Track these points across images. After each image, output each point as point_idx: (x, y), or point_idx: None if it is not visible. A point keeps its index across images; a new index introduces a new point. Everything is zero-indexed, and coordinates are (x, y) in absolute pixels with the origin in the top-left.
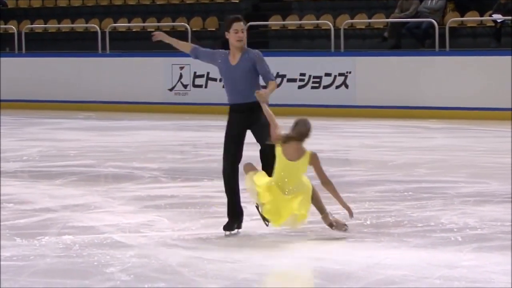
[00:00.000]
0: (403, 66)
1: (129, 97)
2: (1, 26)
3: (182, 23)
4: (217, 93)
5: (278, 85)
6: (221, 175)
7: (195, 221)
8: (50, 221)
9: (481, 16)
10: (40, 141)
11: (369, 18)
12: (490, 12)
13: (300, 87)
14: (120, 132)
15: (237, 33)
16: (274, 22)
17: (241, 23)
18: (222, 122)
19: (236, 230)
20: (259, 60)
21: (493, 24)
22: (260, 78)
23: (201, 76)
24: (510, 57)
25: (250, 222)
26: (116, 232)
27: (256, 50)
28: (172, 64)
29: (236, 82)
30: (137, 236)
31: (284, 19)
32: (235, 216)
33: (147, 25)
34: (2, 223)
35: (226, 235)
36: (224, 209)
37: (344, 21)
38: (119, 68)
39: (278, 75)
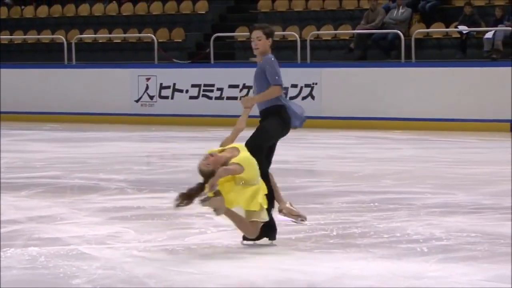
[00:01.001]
0: (369, 77)
1: (96, 108)
2: None
3: (149, 34)
4: (183, 104)
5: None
6: (190, 186)
7: (161, 233)
8: (16, 233)
9: (447, 27)
10: (5, 152)
11: (335, 29)
12: (456, 23)
13: None
14: (86, 143)
15: (253, 41)
16: (241, 34)
17: (257, 31)
18: (188, 133)
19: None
20: (267, 64)
21: (458, 36)
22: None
23: (167, 87)
24: (475, 68)
25: (217, 233)
26: (82, 243)
27: (270, 55)
28: (138, 75)
29: (253, 87)
30: (103, 247)
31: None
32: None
33: (113, 36)
34: None
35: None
36: (190, 221)
37: (310, 33)
38: (85, 79)
39: (244, 87)
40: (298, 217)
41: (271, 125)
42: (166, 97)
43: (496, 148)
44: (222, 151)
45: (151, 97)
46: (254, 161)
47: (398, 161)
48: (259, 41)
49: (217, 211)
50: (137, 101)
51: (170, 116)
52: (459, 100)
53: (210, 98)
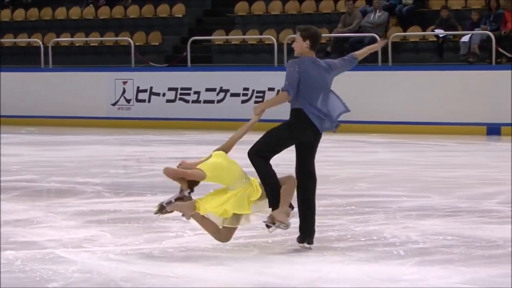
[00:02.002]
0: (346, 81)
1: (72, 111)
2: None
3: (125, 38)
4: (160, 107)
5: (222, 100)
6: (167, 190)
7: (138, 236)
8: None
9: (424, 31)
10: None
11: None
12: (432, 27)
13: (243, 101)
14: (63, 147)
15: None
16: (218, 37)
17: (296, 33)
18: (165, 137)
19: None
20: (286, 67)
21: (435, 39)
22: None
23: (144, 90)
24: (452, 71)
25: (194, 236)
26: (58, 247)
27: (297, 59)
28: (115, 79)
29: None
30: (80, 251)
31: (227, 34)
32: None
33: (90, 40)
34: None
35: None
36: (167, 224)
37: (288, 36)
38: (62, 82)
39: (221, 90)
40: (281, 223)
41: (276, 129)
42: (143, 101)
43: (472, 152)
44: (205, 158)
45: (128, 101)
46: (222, 166)
47: (374, 165)
48: (296, 43)
49: (184, 215)
50: (114, 104)
51: (147, 119)
52: (436, 103)
53: (187, 101)
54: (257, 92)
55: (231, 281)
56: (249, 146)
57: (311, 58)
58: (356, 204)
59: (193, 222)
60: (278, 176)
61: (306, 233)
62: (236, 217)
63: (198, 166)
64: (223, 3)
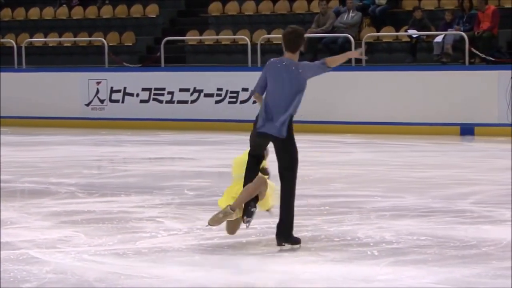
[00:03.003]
0: (320, 81)
1: (46, 112)
2: None
3: (99, 38)
4: (134, 108)
5: (195, 100)
6: (141, 190)
7: (112, 237)
8: None
9: (397, 31)
10: None
11: None
12: (406, 27)
13: (217, 102)
14: (36, 147)
15: None
16: (191, 37)
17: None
18: (139, 137)
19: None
20: None
21: (408, 40)
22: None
23: (118, 91)
24: (425, 72)
25: (168, 237)
26: (32, 247)
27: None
28: (89, 79)
29: None
30: (54, 251)
31: (201, 34)
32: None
33: (63, 40)
34: None
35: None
36: (141, 225)
37: (261, 36)
38: (36, 83)
39: (195, 90)
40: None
41: (295, 146)
42: (117, 101)
43: (446, 152)
44: None
45: (102, 101)
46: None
47: (349, 165)
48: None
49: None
50: (87, 105)
51: (120, 120)
52: (410, 103)
53: (160, 101)
54: (231, 92)
55: (205, 282)
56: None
57: (281, 59)
58: (330, 204)
59: (166, 222)
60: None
61: (285, 236)
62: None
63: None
64: (197, 4)
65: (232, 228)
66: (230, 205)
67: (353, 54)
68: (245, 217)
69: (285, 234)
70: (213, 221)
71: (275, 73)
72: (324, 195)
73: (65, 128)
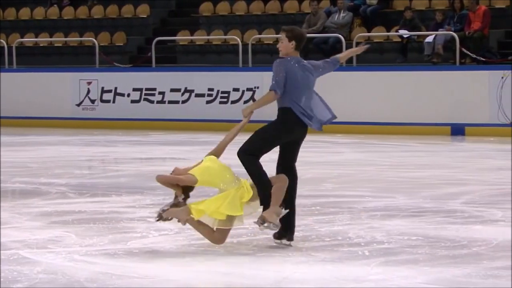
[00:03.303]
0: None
1: (37, 112)
2: None
3: (90, 38)
4: (125, 108)
5: (186, 100)
6: (132, 190)
7: (103, 237)
8: None
9: (388, 31)
10: None
11: (277, 33)
12: (397, 27)
13: (208, 102)
14: (27, 147)
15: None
16: (182, 37)
17: (281, 33)
18: (130, 137)
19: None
20: (273, 67)
21: (399, 40)
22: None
23: (109, 91)
24: (416, 72)
25: (158, 237)
26: (23, 248)
27: (283, 59)
28: (80, 79)
29: None
30: (45, 252)
31: (192, 34)
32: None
33: (54, 40)
34: None
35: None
36: (132, 225)
37: (252, 37)
38: (26, 83)
39: (186, 90)
40: (271, 224)
41: (265, 129)
42: (108, 101)
43: (436, 152)
44: (197, 164)
45: (93, 101)
46: (213, 170)
47: (339, 165)
48: (282, 43)
49: (180, 220)
50: (78, 105)
51: (111, 120)
52: (400, 104)
53: (151, 102)
54: (222, 92)
55: (196, 282)
56: (238, 146)
57: (296, 58)
58: (321, 204)
59: (157, 222)
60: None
61: (286, 230)
62: (230, 219)
63: (190, 171)
64: (188, 4)
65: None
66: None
67: (358, 50)
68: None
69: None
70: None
71: (298, 72)
72: (315, 195)
73: (56, 128)
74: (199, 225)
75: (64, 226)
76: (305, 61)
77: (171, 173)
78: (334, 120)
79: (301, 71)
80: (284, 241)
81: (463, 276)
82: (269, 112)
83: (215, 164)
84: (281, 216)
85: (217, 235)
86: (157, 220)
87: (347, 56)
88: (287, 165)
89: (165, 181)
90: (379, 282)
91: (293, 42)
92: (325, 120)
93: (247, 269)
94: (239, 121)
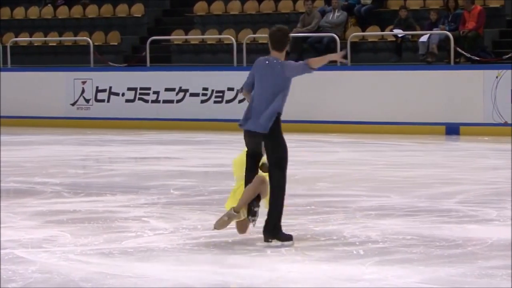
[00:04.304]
0: (305, 81)
1: (31, 111)
2: None
3: (84, 38)
4: (120, 107)
5: (181, 100)
6: (126, 190)
7: (97, 236)
8: None
9: (382, 31)
10: None
11: None
12: (391, 27)
13: (202, 101)
14: (21, 146)
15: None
16: (177, 37)
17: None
18: (124, 137)
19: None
20: None
21: (394, 39)
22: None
23: (103, 90)
24: (410, 71)
25: (153, 236)
26: (18, 247)
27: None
28: (74, 79)
29: None
30: (39, 251)
31: (186, 34)
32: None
33: (48, 40)
34: None
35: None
36: (127, 224)
37: (247, 36)
38: (21, 82)
39: (180, 90)
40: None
41: (283, 139)
42: (102, 101)
43: (431, 151)
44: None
45: (87, 101)
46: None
47: (334, 164)
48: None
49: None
50: (73, 104)
51: (106, 119)
52: (395, 103)
53: (146, 101)
54: (217, 92)
55: (191, 281)
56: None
57: (266, 58)
58: (316, 203)
59: (152, 222)
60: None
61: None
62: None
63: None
64: (182, 3)
65: (241, 229)
66: (233, 207)
67: (336, 56)
68: (249, 217)
69: (272, 230)
70: (219, 225)
71: (261, 71)
72: (310, 194)
73: (51, 128)
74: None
75: (58, 226)
76: (277, 61)
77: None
78: (328, 119)
79: (264, 71)
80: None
81: (458, 275)
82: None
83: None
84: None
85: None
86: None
87: (322, 62)
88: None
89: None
90: (374, 282)
91: (268, 42)
92: (246, 127)
93: (242, 269)
94: (234, 120)
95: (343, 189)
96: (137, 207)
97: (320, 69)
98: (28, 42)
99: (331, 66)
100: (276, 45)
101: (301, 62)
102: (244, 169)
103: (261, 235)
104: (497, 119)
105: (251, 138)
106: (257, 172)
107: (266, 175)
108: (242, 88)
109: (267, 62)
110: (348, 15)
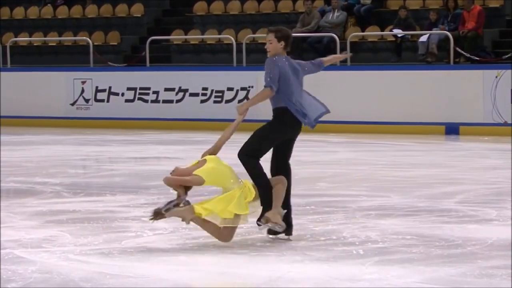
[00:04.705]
0: (305, 81)
1: (31, 111)
2: None
3: (84, 38)
4: (119, 107)
5: (181, 100)
6: (126, 190)
7: (97, 236)
8: None
9: (382, 31)
10: None
11: None
12: (391, 27)
13: (202, 101)
14: (21, 146)
15: (266, 43)
16: (176, 37)
17: (269, 34)
18: (124, 137)
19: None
20: (265, 65)
21: (393, 39)
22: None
23: (103, 90)
24: (410, 71)
25: (153, 236)
26: (17, 247)
27: (275, 57)
28: (74, 79)
29: None
30: (39, 251)
31: (186, 34)
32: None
33: (48, 40)
34: None
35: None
36: (127, 224)
37: (246, 36)
38: (20, 82)
39: (180, 90)
40: (276, 224)
41: (264, 129)
42: (102, 101)
43: (431, 151)
44: (197, 163)
45: (87, 100)
46: (219, 170)
47: (334, 164)
48: (270, 44)
49: (184, 220)
50: (72, 104)
51: (106, 119)
52: (394, 103)
53: (146, 101)
54: (216, 92)
55: (191, 281)
56: (236, 146)
57: (286, 57)
58: (316, 203)
59: (153, 222)
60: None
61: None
62: (236, 217)
63: (195, 172)
64: (182, 3)
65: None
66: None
67: (341, 57)
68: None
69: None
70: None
71: (293, 71)
72: (309, 194)
73: (50, 128)
74: (205, 223)
75: (58, 226)
76: (293, 61)
77: (171, 173)
78: (328, 119)
79: (291, 70)
80: (282, 235)
81: (458, 275)
82: (265, 111)
83: (220, 165)
84: (282, 216)
85: (224, 232)
86: (151, 219)
87: (331, 62)
88: (283, 163)
89: (172, 183)
90: (374, 282)
91: (282, 42)
92: (319, 114)
93: (241, 269)
94: (233, 120)
95: (343, 189)
96: (137, 207)
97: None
98: (28, 42)
99: (331, 66)
100: (289, 45)
101: (313, 61)
102: (226, 176)
103: (261, 235)
104: (497, 119)
105: (298, 132)
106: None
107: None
108: (271, 86)
109: (290, 62)
110: (348, 15)
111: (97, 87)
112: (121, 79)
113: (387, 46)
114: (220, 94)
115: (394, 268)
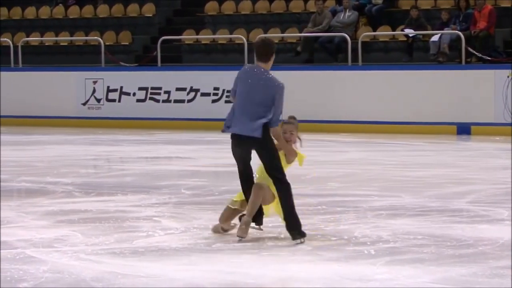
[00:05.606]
0: (316, 81)
1: (42, 111)
2: None
3: (95, 37)
4: (131, 107)
5: (192, 100)
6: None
7: (108, 236)
8: None
9: (393, 30)
10: None
11: (282, 32)
12: (402, 27)
13: (214, 101)
14: (33, 146)
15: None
16: (188, 37)
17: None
18: (135, 137)
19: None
20: (279, 93)
21: (405, 39)
22: None
23: (115, 90)
24: (422, 71)
25: (164, 236)
26: (29, 247)
27: (282, 83)
28: (85, 79)
29: (245, 90)
30: (51, 251)
31: (197, 34)
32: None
33: (59, 39)
34: None
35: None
36: (138, 224)
37: (258, 36)
38: (32, 82)
39: (191, 89)
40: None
41: (274, 148)
42: (113, 100)
43: (442, 151)
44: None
45: (98, 100)
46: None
47: (345, 164)
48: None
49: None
50: (84, 104)
51: (117, 119)
52: (406, 103)
53: (157, 101)
54: (228, 91)
55: (201, 281)
56: None
57: (251, 67)
58: (327, 203)
59: (163, 222)
60: None
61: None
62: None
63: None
64: (193, 3)
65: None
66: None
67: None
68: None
69: (297, 232)
70: (242, 233)
71: (249, 78)
72: (321, 194)
73: (62, 128)
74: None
75: (70, 225)
76: (261, 74)
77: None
78: (339, 119)
79: (247, 80)
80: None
81: (469, 275)
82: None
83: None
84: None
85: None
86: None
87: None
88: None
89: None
90: (385, 282)
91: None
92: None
93: (252, 269)
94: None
95: (354, 189)
96: (148, 206)
97: (331, 68)
98: (39, 42)
99: (342, 66)
100: (261, 57)
101: (279, 113)
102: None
103: (272, 235)
104: (508, 119)
105: (240, 147)
106: (252, 182)
107: (262, 180)
108: (231, 96)
109: (255, 70)
110: (359, 15)
111: (108, 87)
112: (132, 79)
113: (398, 46)
114: None
115: (405, 268)
